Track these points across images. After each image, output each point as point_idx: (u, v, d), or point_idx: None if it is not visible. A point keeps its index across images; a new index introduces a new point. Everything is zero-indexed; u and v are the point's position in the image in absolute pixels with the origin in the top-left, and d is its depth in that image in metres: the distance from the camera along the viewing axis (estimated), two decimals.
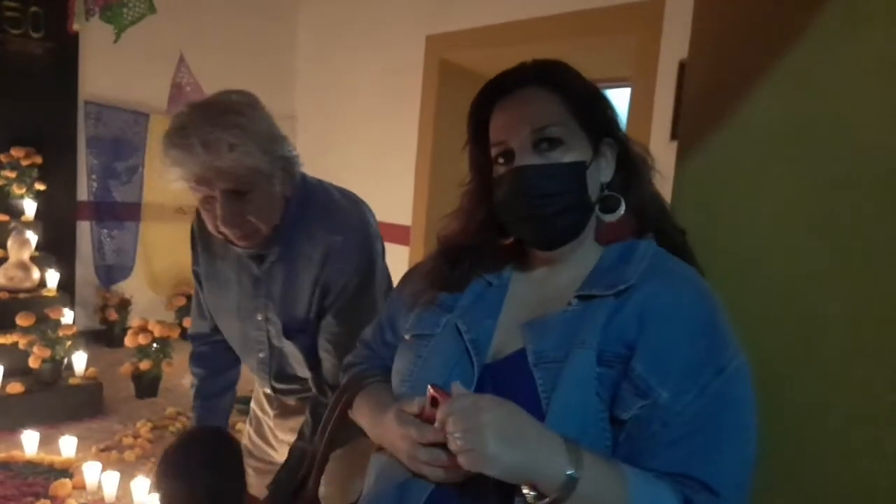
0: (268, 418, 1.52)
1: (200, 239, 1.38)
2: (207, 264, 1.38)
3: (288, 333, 1.30)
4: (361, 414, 0.92)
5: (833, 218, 0.80)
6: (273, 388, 1.42)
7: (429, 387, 0.74)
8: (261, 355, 1.36)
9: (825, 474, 0.80)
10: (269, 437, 1.52)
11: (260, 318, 1.32)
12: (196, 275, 1.43)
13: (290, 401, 1.44)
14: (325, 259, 1.23)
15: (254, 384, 1.57)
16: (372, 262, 1.28)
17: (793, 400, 0.82)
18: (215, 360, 1.48)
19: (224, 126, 1.08)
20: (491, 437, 0.65)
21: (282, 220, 1.22)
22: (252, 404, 1.61)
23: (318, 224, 1.24)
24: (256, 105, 1.18)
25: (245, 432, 1.63)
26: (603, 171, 0.84)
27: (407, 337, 0.90)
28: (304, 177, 1.27)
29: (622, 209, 0.82)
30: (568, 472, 0.65)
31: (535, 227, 0.82)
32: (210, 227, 1.17)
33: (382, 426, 0.83)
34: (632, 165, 0.84)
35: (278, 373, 1.38)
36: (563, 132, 0.80)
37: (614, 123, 0.85)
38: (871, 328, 0.77)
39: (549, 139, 0.79)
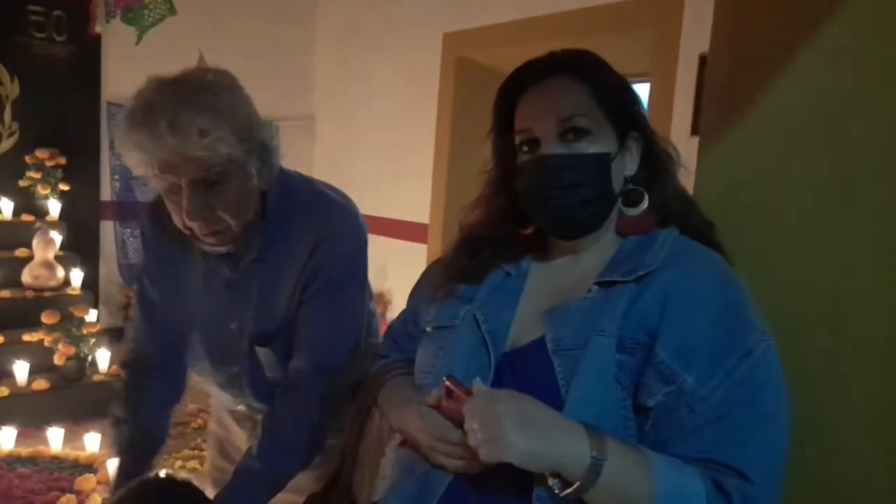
0: (236, 438, 1.36)
1: (156, 241, 1.18)
2: (164, 270, 1.19)
3: (263, 339, 1.14)
4: (386, 406, 0.94)
5: (855, 210, 0.79)
6: (248, 406, 1.25)
7: (444, 379, 0.75)
8: (235, 370, 1.18)
9: (848, 461, 0.79)
10: (237, 458, 1.25)
11: (234, 326, 1.14)
12: (143, 284, 1.22)
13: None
14: (313, 251, 1.09)
15: (211, 404, 1.41)
16: (362, 252, 1.16)
17: (815, 387, 0.80)
18: (159, 393, 1.23)
19: (196, 108, 0.95)
20: (508, 424, 0.65)
21: (258, 215, 1.09)
22: (212, 426, 1.43)
23: (304, 218, 1.11)
24: (234, 86, 1.03)
25: (208, 458, 1.48)
26: (627, 165, 0.83)
27: (428, 329, 0.91)
28: (282, 170, 1.14)
29: (645, 204, 0.82)
30: (592, 456, 0.65)
31: (557, 217, 0.82)
32: (176, 220, 1.03)
33: (404, 419, 0.85)
34: (657, 160, 0.84)
35: (254, 386, 1.20)
36: (589, 123, 0.79)
37: (641, 117, 0.84)
38: (891, 320, 0.75)
39: (576, 129, 0.79)
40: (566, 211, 0.80)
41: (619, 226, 0.84)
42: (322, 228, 1.10)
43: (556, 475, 0.67)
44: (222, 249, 1.07)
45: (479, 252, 0.90)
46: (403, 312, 1.03)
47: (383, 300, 4.06)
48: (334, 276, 1.11)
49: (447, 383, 0.74)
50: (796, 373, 0.75)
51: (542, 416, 0.68)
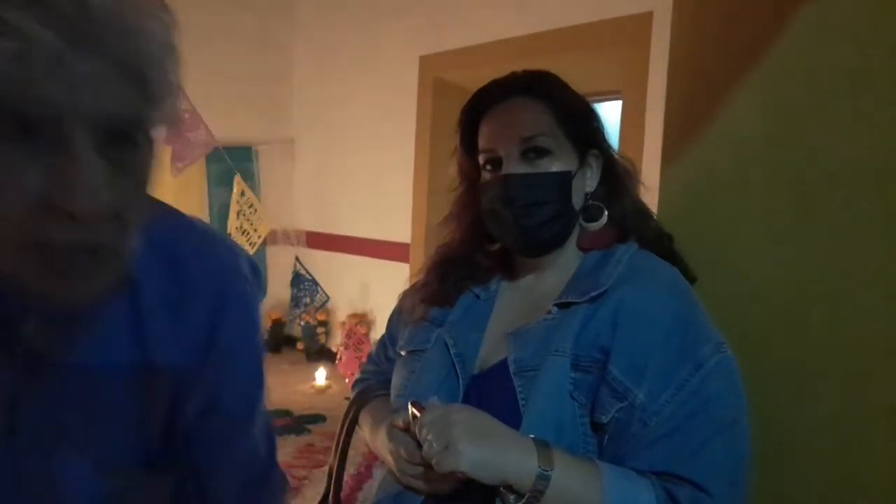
0: None
1: None
2: None
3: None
4: (364, 428, 0.95)
5: (812, 221, 0.82)
6: None
7: (409, 404, 0.76)
8: None
9: (810, 471, 0.81)
10: None
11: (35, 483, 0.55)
12: None
13: None
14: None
15: None
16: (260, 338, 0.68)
17: (777, 400, 0.83)
18: None
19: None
20: (460, 433, 0.67)
21: None
22: None
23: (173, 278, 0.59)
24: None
25: None
26: (588, 182, 0.86)
27: (402, 353, 0.92)
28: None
29: (604, 219, 0.84)
30: (539, 468, 0.67)
31: (521, 236, 0.84)
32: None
33: (378, 441, 0.86)
34: (616, 176, 0.86)
35: None
36: (550, 142, 0.82)
37: (600, 135, 0.87)
38: (851, 328, 0.78)
39: (537, 149, 0.81)
40: (529, 230, 0.82)
41: (581, 241, 0.86)
42: (215, 307, 0.60)
43: (510, 487, 0.68)
44: (86, 297, 0.50)
45: (449, 275, 0.91)
46: (382, 336, 1.04)
47: (366, 320, 4.06)
48: (242, 396, 0.65)
49: (411, 409, 0.75)
50: (758, 382, 0.77)
51: (493, 428, 0.70)
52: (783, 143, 0.85)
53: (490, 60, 3.23)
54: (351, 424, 0.97)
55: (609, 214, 0.84)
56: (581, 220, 0.85)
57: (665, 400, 0.70)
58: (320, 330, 4.33)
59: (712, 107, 0.91)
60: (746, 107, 0.88)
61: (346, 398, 4.05)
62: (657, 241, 0.85)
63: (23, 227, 0.44)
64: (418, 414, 0.73)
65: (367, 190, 4.09)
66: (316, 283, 4.32)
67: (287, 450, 2.93)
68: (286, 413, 3.38)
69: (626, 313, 0.74)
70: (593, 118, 0.86)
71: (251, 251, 3.92)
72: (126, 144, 0.49)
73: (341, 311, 4.26)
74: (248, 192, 3.89)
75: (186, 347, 0.59)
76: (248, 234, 3.90)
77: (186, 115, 4.08)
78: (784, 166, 0.85)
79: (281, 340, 4.51)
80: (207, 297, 0.60)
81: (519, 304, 0.87)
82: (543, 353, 0.76)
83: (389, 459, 0.81)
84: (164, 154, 3.90)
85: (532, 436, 0.70)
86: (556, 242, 0.84)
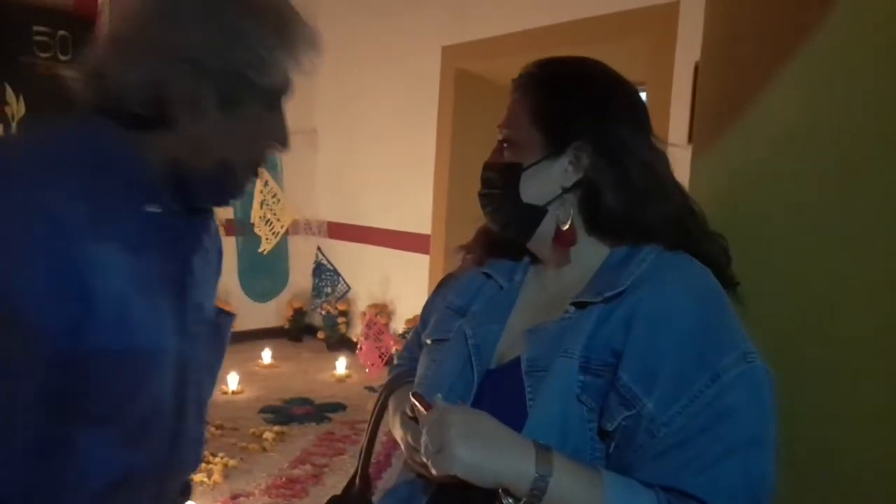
0: None
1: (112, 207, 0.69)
2: (127, 256, 0.69)
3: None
4: (390, 415, 0.96)
5: (847, 216, 0.79)
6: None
7: (410, 394, 0.77)
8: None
9: (835, 473, 0.79)
10: None
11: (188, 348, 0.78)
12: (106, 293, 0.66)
13: None
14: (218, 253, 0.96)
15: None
16: None
17: (806, 397, 0.81)
18: None
19: None
20: (455, 436, 0.66)
21: None
22: None
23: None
24: None
25: None
26: (562, 176, 0.80)
27: (428, 341, 0.92)
28: None
29: (563, 217, 0.80)
30: (535, 474, 0.65)
31: (488, 220, 0.87)
32: (238, 151, 0.77)
33: (395, 427, 0.88)
34: (609, 168, 0.78)
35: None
36: (514, 134, 0.82)
37: (594, 129, 0.79)
38: (887, 326, 0.76)
39: (505, 139, 0.83)
40: (487, 215, 0.86)
41: (604, 235, 0.81)
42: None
43: (508, 491, 0.66)
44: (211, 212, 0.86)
45: (488, 243, 0.93)
46: (416, 324, 1.07)
47: (386, 311, 4.08)
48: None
49: (412, 399, 0.75)
50: (787, 381, 0.74)
51: (491, 431, 0.68)
52: (819, 136, 0.83)
53: (513, 51, 3.21)
54: (381, 410, 0.99)
55: (608, 208, 0.78)
56: (573, 213, 0.80)
57: (676, 411, 0.67)
58: (341, 320, 4.36)
59: (745, 99, 0.89)
60: (781, 99, 0.86)
61: (366, 387, 4.10)
62: (680, 235, 0.80)
63: (253, 156, 0.81)
64: (419, 405, 0.73)
65: (388, 181, 4.09)
66: (337, 273, 4.35)
67: (308, 438, 2.97)
68: (307, 401, 3.42)
69: (641, 315, 0.70)
70: (585, 111, 0.80)
71: (274, 241, 3.96)
72: None
73: (362, 301, 4.29)
74: (272, 182, 3.92)
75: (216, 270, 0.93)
76: (271, 223, 3.93)
77: None
78: (819, 161, 0.82)
79: (302, 329, 4.56)
80: (219, 251, 0.94)
81: (540, 298, 0.86)
82: (553, 353, 0.74)
83: (402, 445, 0.83)
84: None
85: (535, 440, 0.68)
86: (513, 233, 0.85)
